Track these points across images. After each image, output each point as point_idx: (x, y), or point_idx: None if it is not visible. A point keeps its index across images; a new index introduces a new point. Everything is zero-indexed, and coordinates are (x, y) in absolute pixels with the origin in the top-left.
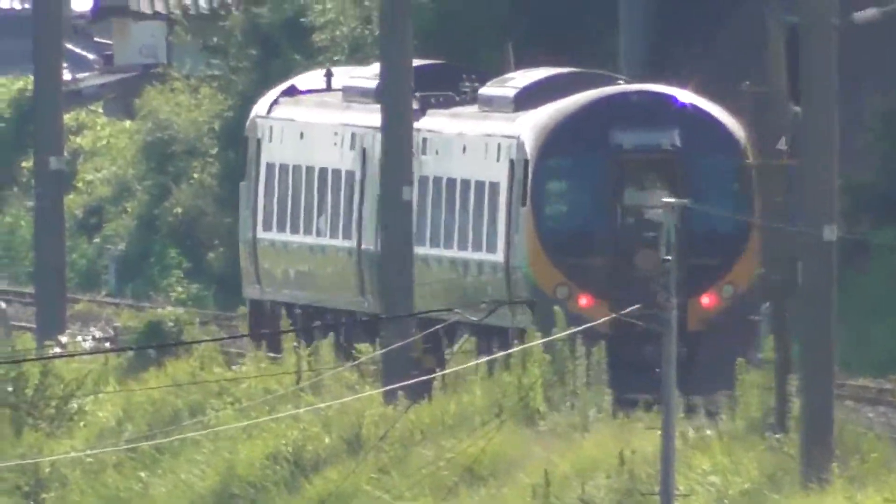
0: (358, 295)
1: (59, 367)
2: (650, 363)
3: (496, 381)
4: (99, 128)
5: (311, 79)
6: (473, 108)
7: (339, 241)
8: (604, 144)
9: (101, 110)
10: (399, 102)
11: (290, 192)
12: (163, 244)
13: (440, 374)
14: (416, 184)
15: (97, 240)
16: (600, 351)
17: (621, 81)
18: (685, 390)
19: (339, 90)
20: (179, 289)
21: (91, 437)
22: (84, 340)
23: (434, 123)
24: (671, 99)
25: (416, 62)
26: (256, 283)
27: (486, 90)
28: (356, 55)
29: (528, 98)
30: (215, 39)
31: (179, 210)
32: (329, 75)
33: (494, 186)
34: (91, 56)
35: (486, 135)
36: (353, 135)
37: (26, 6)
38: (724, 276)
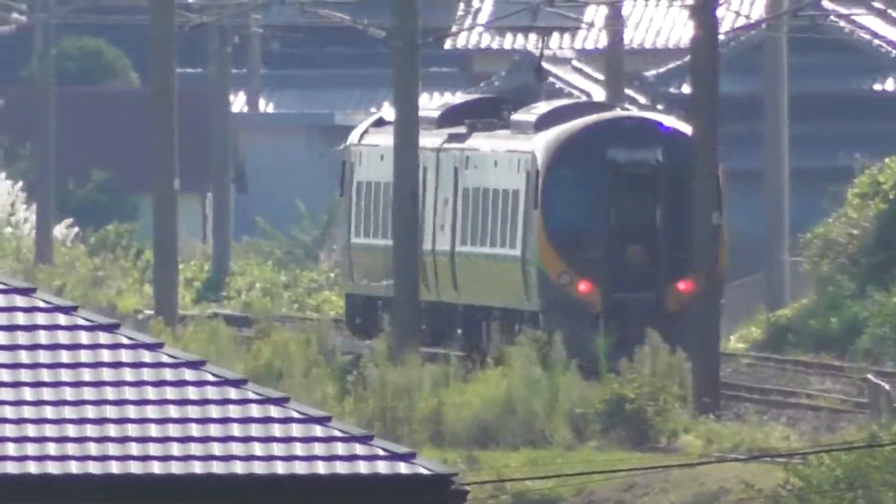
0: (423, 286)
1: None
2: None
3: None
4: None
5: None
6: (507, 132)
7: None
8: (600, 159)
9: None
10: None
11: (372, 205)
12: None
13: None
14: (460, 194)
15: None
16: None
17: (618, 109)
18: None
19: None
20: None
21: None
22: None
23: (476, 143)
24: (656, 123)
25: (473, 96)
26: (350, 280)
27: (516, 116)
28: None
29: (545, 122)
30: None
31: None
32: None
33: (516, 194)
34: None
35: (510, 151)
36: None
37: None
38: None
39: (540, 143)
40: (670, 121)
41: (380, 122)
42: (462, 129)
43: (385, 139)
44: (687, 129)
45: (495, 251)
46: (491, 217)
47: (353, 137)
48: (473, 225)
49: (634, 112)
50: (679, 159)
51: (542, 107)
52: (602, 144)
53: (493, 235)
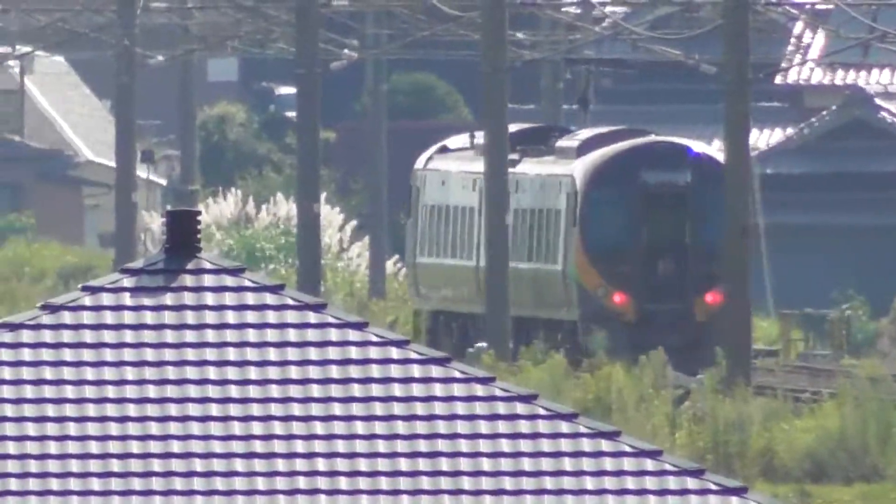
0: (478, 302)
1: None
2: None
3: None
4: None
5: (460, 140)
6: (552, 157)
7: (465, 261)
8: (634, 181)
9: None
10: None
11: (436, 226)
12: None
13: None
14: (511, 214)
15: None
16: None
17: (652, 135)
18: (697, 368)
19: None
20: None
21: None
22: None
23: (525, 168)
24: (686, 148)
25: (523, 125)
26: (416, 296)
27: (560, 143)
28: None
29: (586, 147)
30: None
31: None
32: (472, 136)
33: (558, 213)
34: None
35: (552, 175)
36: (474, 180)
37: None
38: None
39: (579, 167)
40: (699, 146)
41: (443, 150)
42: (515, 156)
43: (446, 165)
44: (714, 153)
45: (539, 266)
46: (536, 235)
47: (420, 163)
48: (521, 242)
49: (666, 138)
50: (706, 181)
51: (584, 133)
52: (635, 167)
53: (539, 252)
